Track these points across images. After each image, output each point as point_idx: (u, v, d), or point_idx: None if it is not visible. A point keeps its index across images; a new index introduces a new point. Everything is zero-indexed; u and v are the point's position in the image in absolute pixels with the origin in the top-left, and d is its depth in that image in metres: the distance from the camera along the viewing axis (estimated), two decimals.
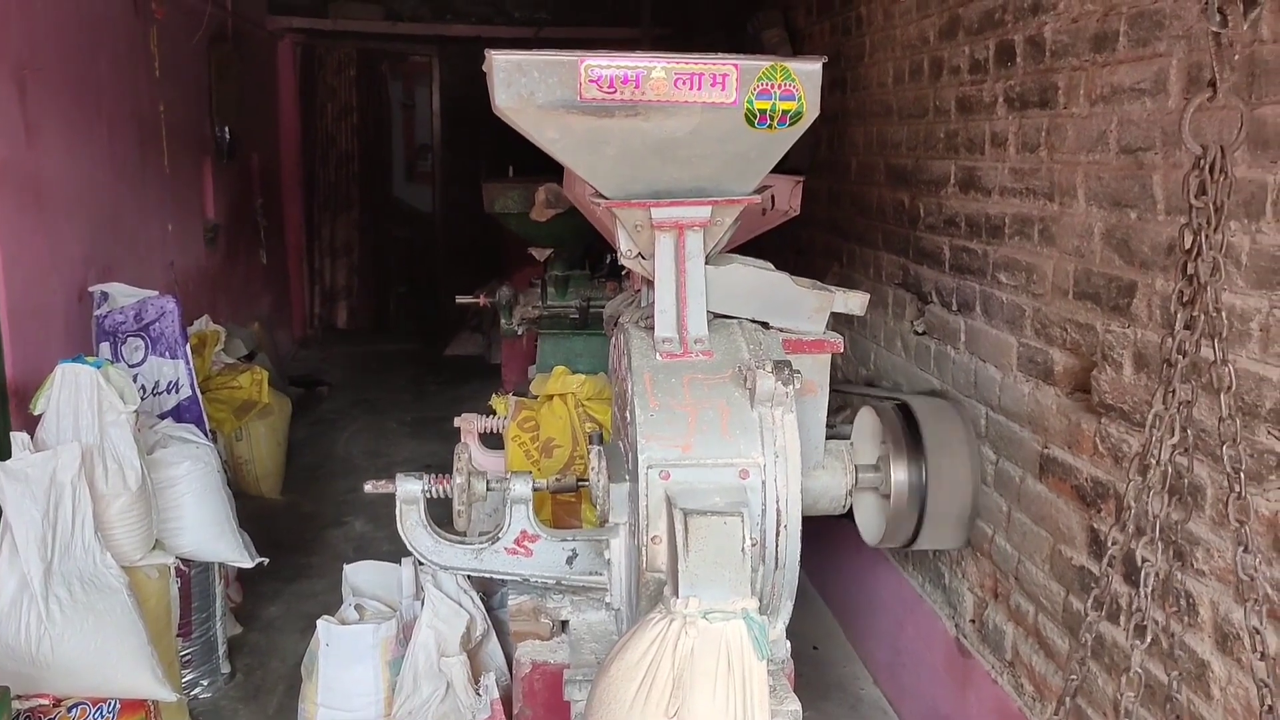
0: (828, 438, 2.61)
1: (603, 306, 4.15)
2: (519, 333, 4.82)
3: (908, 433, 2.84)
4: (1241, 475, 1.68)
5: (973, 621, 3.14)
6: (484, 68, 2.22)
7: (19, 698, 2.76)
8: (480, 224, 8.49)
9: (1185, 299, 1.71)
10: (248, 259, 7.47)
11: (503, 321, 4.87)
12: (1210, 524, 2.04)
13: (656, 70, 2.10)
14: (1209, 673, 2.05)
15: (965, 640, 3.17)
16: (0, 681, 2.59)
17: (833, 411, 2.64)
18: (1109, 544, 1.86)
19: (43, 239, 3.78)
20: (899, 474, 2.76)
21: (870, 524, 2.89)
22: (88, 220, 4.22)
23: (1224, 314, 1.70)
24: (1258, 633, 1.66)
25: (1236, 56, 1.68)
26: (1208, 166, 1.66)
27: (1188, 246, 1.70)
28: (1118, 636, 2.35)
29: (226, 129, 6.53)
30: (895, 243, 3.77)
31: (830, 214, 4.50)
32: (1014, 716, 2.85)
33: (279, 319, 8.40)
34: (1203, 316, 1.68)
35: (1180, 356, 1.71)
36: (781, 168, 2.39)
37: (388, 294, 10.74)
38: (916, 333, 3.55)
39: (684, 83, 2.11)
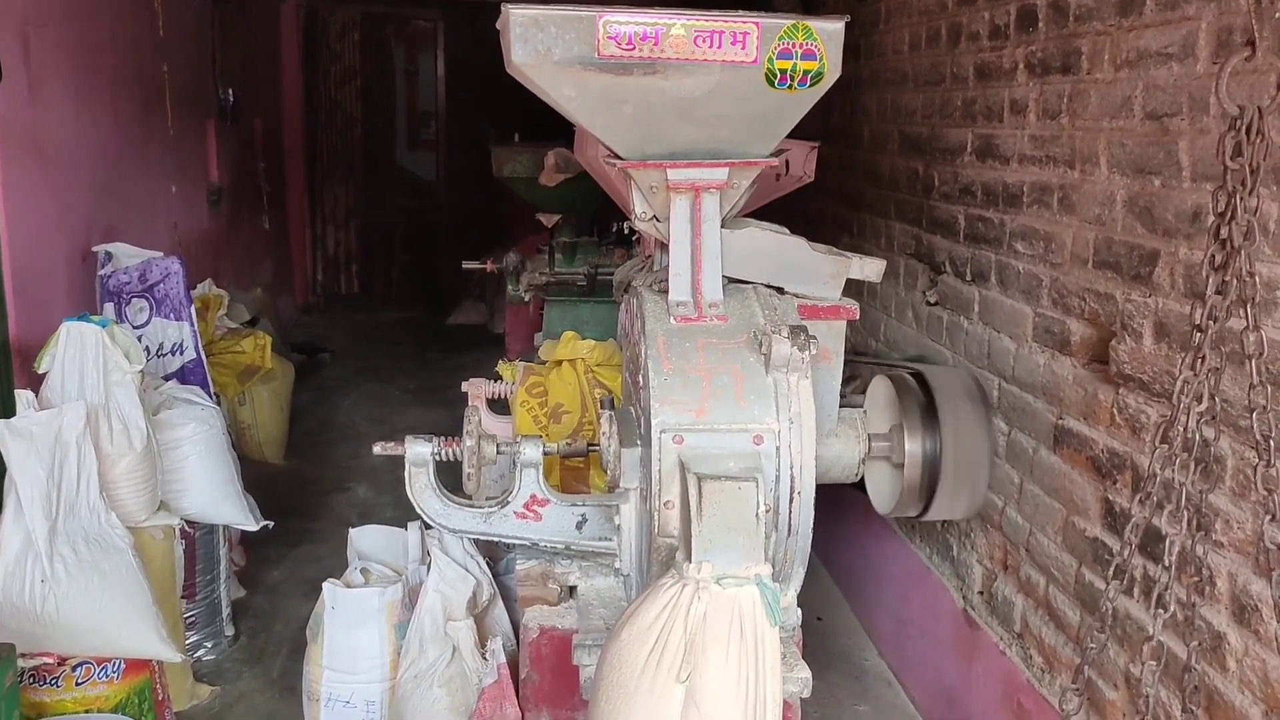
0: (840, 407, 2.58)
1: (610, 274, 4.12)
2: (526, 299, 4.78)
3: (920, 402, 2.81)
4: (1271, 444, 1.66)
5: (981, 593, 3.13)
6: (498, 24, 2.18)
7: (24, 656, 2.75)
8: (484, 192, 8.45)
9: (1217, 264, 1.67)
10: (251, 224, 7.42)
11: (510, 288, 4.84)
12: (1231, 495, 2.01)
13: (676, 27, 2.05)
14: (1225, 644, 2.03)
15: (973, 612, 3.16)
16: (5, 639, 2.58)
17: (843, 382, 2.61)
18: (1131, 513, 1.83)
19: (46, 197, 3.74)
20: (913, 443, 2.74)
21: (882, 493, 2.87)
22: (91, 180, 4.18)
23: (1256, 279, 1.67)
24: None
25: (1277, 15, 1.64)
26: (1244, 128, 1.63)
27: (1221, 210, 1.66)
28: (1131, 608, 2.33)
29: (230, 91, 6.47)
30: (908, 212, 3.73)
31: (841, 183, 4.46)
32: (1022, 688, 2.84)
33: (281, 285, 8.36)
34: (1235, 281, 1.65)
35: (1211, 322, 1.68)
36: (795, 134, 2.35)
37: (390, 262, 10.69)
38: (928, 303, 3.52)
39: (704, 41, 2.07)
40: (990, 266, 3.05)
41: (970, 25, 3.19)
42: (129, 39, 4.74)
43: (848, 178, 4.40)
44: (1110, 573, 1.90)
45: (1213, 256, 1.68)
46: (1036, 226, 2.78)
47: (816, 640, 3.80)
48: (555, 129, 3.95)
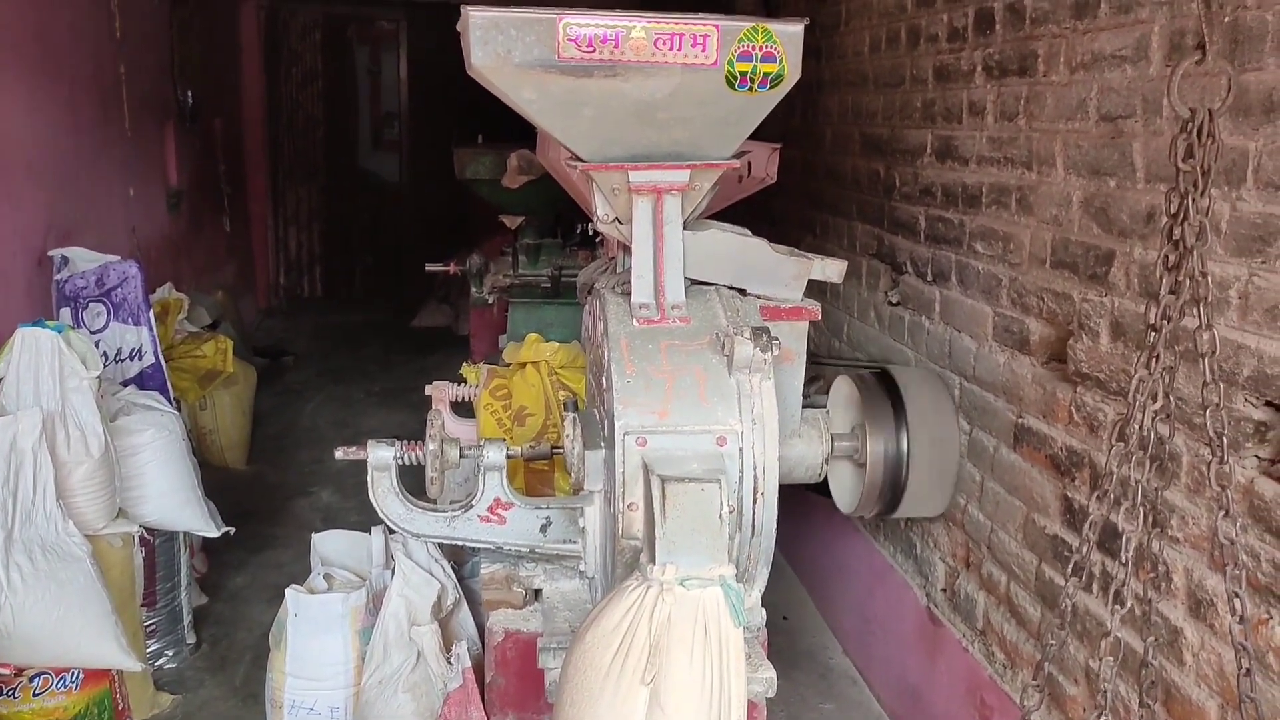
0: (803, 407, 2.60)
1: (574, 275, 4.12)
2: (490, 301, 4.77)
3: (887, 401, 2.83)
4: (1224, 441, 1.68)
5: (944, 591, 3.15)
6: (459, 26, 2.17)
7: None
8: (448, 194, 8.41)
9: (1170, 264, 1.70)
10: (211, 226, 7.35)
11: (473, 290, 4.82)
12: (1186, 492, 2.04)
13: (636, 30, 2.06)
14: (1181, 639, 2.06)
15: (936, 609, 3.19)
16: None
17: (806, 383, 2.63)
18: (1090, 510, 1.85)
19: (0, 201, 3.68)
20: (876, 443, 2.75)
21: (845, 493, 2.89)
22: (47, 183, 4.12)
23: (1209, 279, 1.69)
24: (1237, 596, 1.67)
25: (1227, 19, 1.67)
26: (1195, 130, 1.65)
27: (1174, 211, 1.69)
28: (1090, 604, 2.36)
29: (189, 92, 6.41)
30: (870, 213, 3.75)
31: (803, 184, 4.48)
32: (984, 685, 2.86)
33: (243, 288, 8.29)
34: (1188, 281, 1.67)
35: (1165, 321, 1.70)
36: (757, 136, 2.36)
37: (354, 264, 10.62)
38: (890, 303, 3.55)
39: (664, 43, 2.07)
40: (951, 267, 3.07)
41: (929, 28, 3.21)
42: (85, 39, 4.68)
43: (810, 179, 4.42)
44: (1069, 569, 1.92)
45: (1166, 257, 1.70)
46: (995, 227, 2.81)
47: (782, 640, 3.81)
48: (519, 131, 3.94)
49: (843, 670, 3.78)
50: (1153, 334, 1.73)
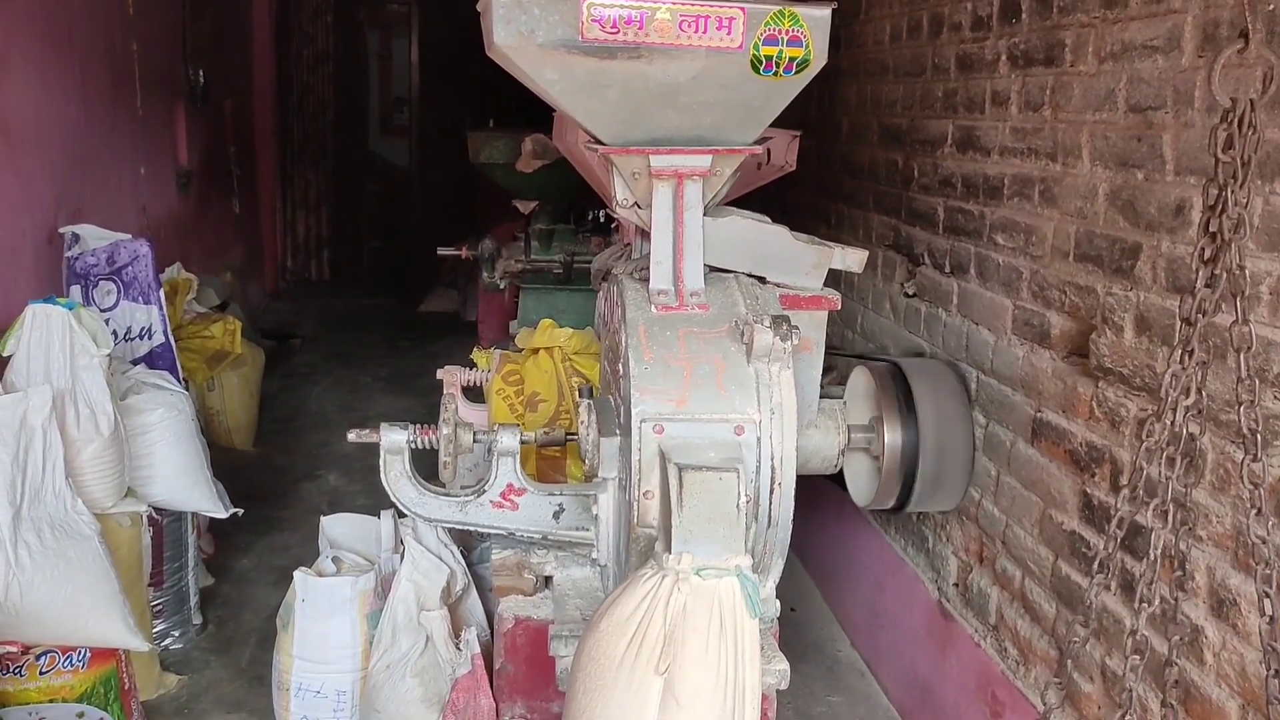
0: (819, 398, 2.57)
1: (587, 262, 4.09)
2: (501, 286, 4.75)
3: (902, 394, 2.80)
4: (1258, 438, 1.65)
5: (956, 585, 3.13)
6: (479, 6, 2.15)
7: None
8: (457, 180, 8.38)
9: (1206, 257, 1.67)
10: (220, 208, 7.33)
11: (485, 274, 4.80)
12: (1210, 489, 2.01)
13: (661, 11, 2.03)
14: (1203, 638, 2.04)
15: (948, 604, 3.16)
16: None
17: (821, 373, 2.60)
18: (1117, 506, 1.83)
19: (11, 177, 3.66)
20: (893, 435, 2.73)
21: (860, 485, 2.86)
22: (58, 160, 4.10)
23: (1245, 272, 1.66)
24: (1267, 596, 1.64)
25: (1270, 8, 1.63)
26: (1235, 120, 1.62)
27: (1211, 203, 1.66)
28: (1108, 601, 2.33)
29: (200, 72, 6.38)
30: (887, 204, 3.72)
31: (819, 175, 4.44)
32: (996, 680, 2.84)
33: (251, 270, 8.27)
34: (1224, 275, 1.64)
35: (1200, 316, 1.67)
36: (776, 123, 2.33)
37: (362, 248, 10.60)
38: (906, 295, 3.51)
39: (689, 25, 2.05)
40: (970, 258, 3.04)
41: (952, 16, 3.18)
42: (98, 16, 4.65)
43: (826, 169, 4.38)
44: (1095, 566, 1.89)
45: (1203, 250, 1.67)
46: (1017, 219, 2.77)
47: (790, 631, 3.77)
48: (530, 116, 3.91)
49: (851, 663, 3.76)
50: (1186, 328, 1.70)
